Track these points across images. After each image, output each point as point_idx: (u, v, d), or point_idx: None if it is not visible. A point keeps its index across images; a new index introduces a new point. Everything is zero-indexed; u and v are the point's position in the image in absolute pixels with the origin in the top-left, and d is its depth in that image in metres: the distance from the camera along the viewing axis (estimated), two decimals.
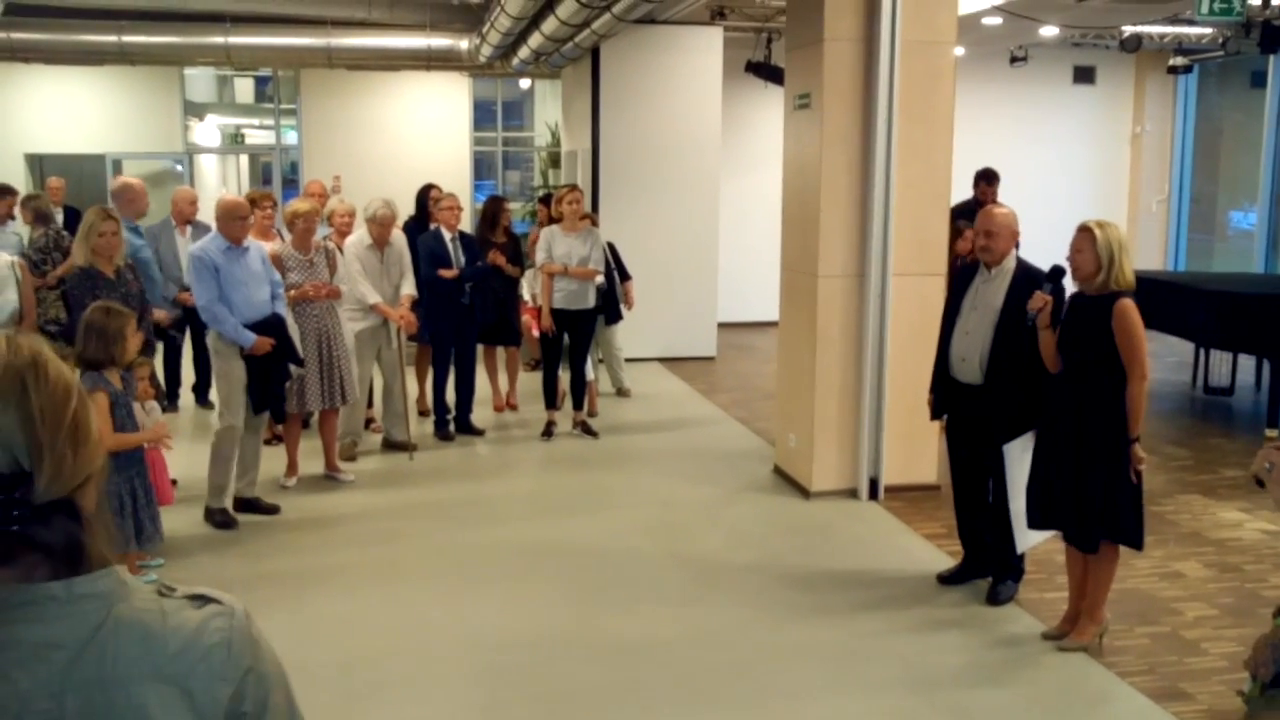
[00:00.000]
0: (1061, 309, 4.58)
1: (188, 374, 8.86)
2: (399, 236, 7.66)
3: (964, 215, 7.11)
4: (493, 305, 8.41)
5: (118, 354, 4.85)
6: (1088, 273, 4.41)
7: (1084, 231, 4.41)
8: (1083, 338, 4.44)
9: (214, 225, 6.38)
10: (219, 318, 6.06)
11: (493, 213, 8.75)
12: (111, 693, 1.15)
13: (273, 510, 6.37)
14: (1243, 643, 4.50)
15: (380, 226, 7.40)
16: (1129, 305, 4.33)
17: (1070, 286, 4.57)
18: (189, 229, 8.44)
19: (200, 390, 8.84)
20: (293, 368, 6.46)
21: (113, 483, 4.85)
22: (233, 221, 6.18)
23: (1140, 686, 4.29)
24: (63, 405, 1.19)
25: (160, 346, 7.93)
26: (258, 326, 6.13)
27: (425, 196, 8.60)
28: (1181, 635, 4.80)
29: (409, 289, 7.55)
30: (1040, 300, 4.56)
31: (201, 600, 1.23)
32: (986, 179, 9.25)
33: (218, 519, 6.14)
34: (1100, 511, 4.41)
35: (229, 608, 1.23)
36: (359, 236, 7.52)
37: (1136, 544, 4.49)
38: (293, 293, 6.66)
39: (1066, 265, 4.57)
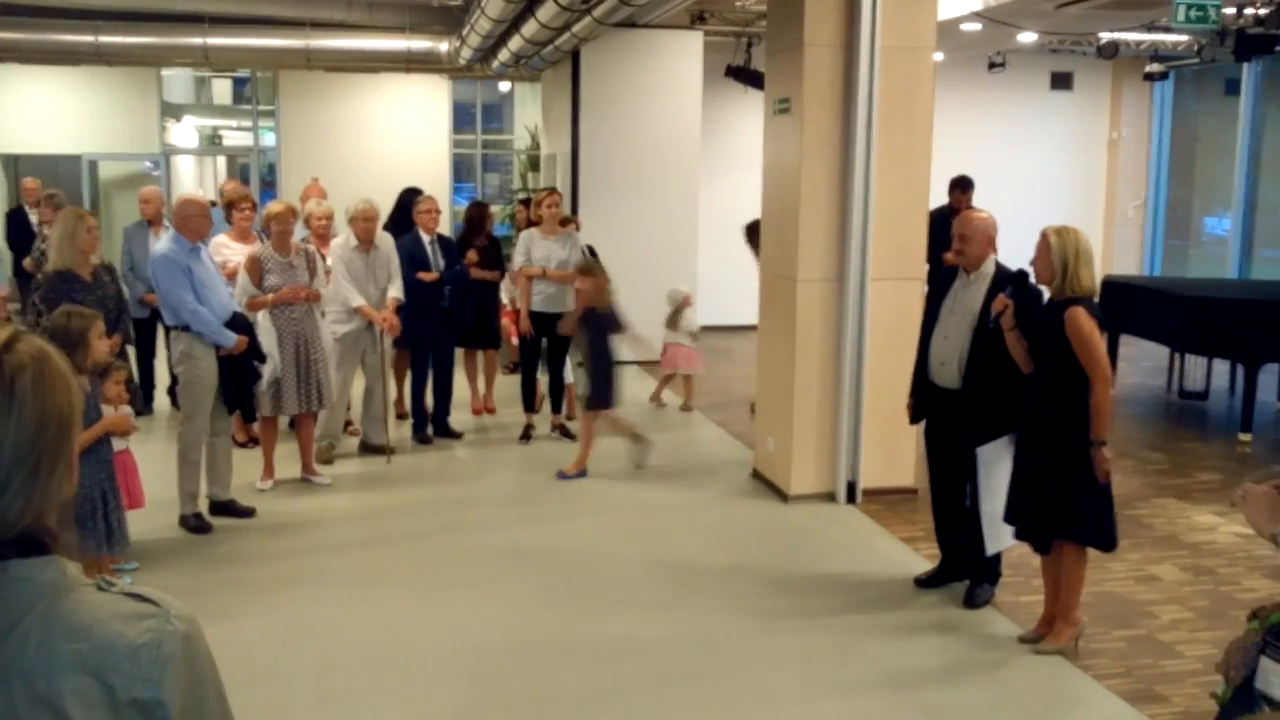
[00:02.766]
0: (1031, 311, 4.62)
1: (162, 376, 8.79)
2: (385, 239, 7.61)
3: (938, 221, 7.14)
4: (472, 308, 8.39)
5: (79, 359, 4.62)
6: (1045, 278, 4.48)
7: (1042, 237, 4.48)
8: (1042, 342, 4.49)
9: (172, 224, 6.21)
10: (202, 319, 5.96)
11: (478, 219, 8.74)
12: (31, 678, 1.14)
13: (248, 513, 6.32)
14: (1218, 645, 4.52)
15: (364, 221, 7.36)
16: (1078, 312, 4.36)
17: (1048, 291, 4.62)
18: (163, 229, 8.40)
19: (175, 392, 8.78)
20: (265, 367, 6.43)
21: (84, 486, 4.80)
22: (196, 219, 6.05)
23: (1116, 689, 4.31)
24: (30, 441, 1.17)
25: (133, 349, 7.88)
26: (229, 325, 6.06)
27: (408, 200, 8.55)
28: (1157, 638, 4.83)
29: (395, 292, 7.50)
30: (1001, 303, 4.62)
31: (138, 599, 1.22)
32: (961, 186, 9.28)
33: (192, 524, 6.09)
34: (1054, 513, 4.44)
35: (164, 609, 1.22)
36: (344, 239, 7.47)
37: (1101, 545, 4.50)
38: (271, 296, 6.63)
39: (1030, 269, 4.63)
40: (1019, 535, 4.67)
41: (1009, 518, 4.68)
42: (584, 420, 7.41)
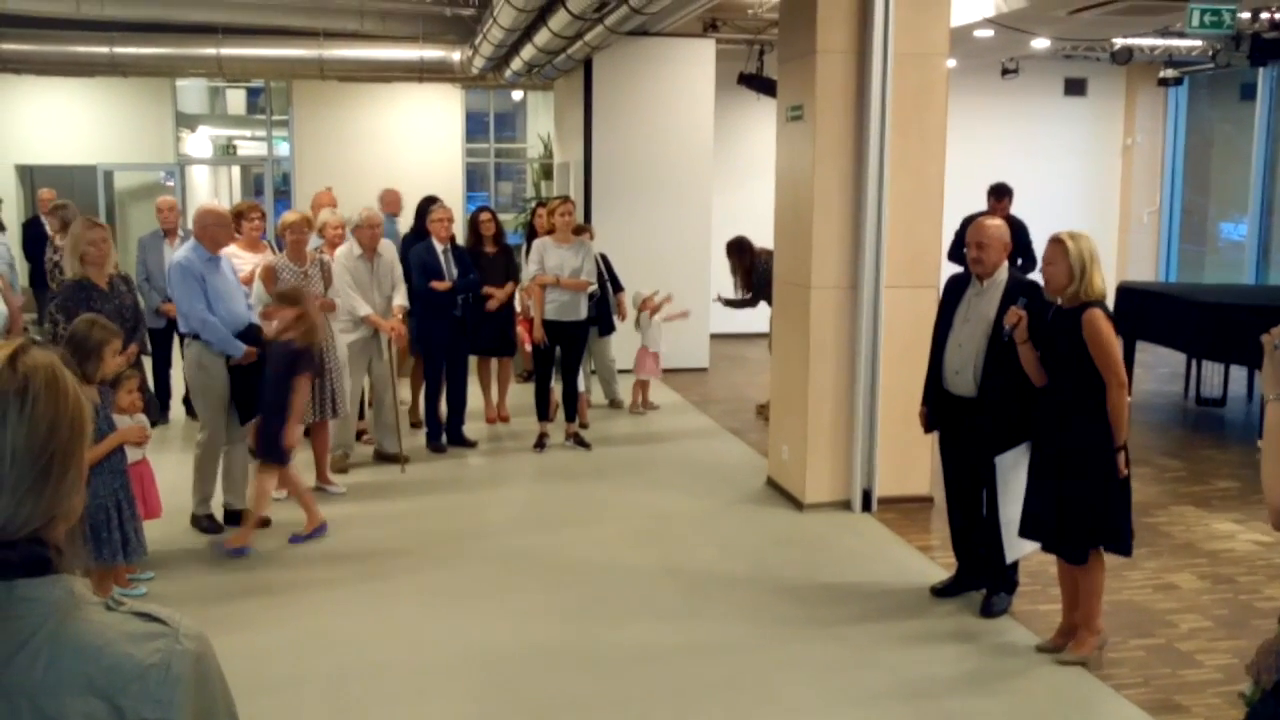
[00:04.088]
0: (1043, 322, 4.58)
1: (178, 385, 8.81)
2: (389, 247, 7.64)
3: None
4: (490, 316, 8.39)
5: (90, 370, 4.69)
6: (1060, 284, 4.43)
7: (1056, 243, 4.44)
8: (1059, 350, 4.46)
9: (193, 233, 6.23)
10: (212, 327, 5.99)
11: (472, 224, 8.82)
12: (39, 700, 1.13)
13: (263, 522, 6.32)
14: (1237, 654, 4.50)
15: (369, 228, 7.38)
16: (1097, 315, 4.34)
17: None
18: (178, 239, 8.45)
19: (191, 402, 8.80)
20: None
21: (98, 496, 4.82)
22: (214, 228, 6.08)
23: (1135, 699, 4.27)
24: (43, 440, 1.16)
25: (149, 359, 7.90)
26: (241, 336, 6.09)
27: (426, 209, 8.56)
28: (1176, 647, 4.78)
29: (400, 299, 7.52)
30: (1014, 315, 4.59)
31: (147, 619, 1.21)
32: (997, 194, 9.23)
33: (204, 524, 6.16)
34: (1085, 522, 4.41)
35: (173, 629, 1.21)
36: (348, 248, 7.49)
37: (1123, 551, 4.48)
38: None
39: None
40: (1047, 549, 4.63)
41: (1027, 531, 4.64)
42: (280, 480, 6.13)
